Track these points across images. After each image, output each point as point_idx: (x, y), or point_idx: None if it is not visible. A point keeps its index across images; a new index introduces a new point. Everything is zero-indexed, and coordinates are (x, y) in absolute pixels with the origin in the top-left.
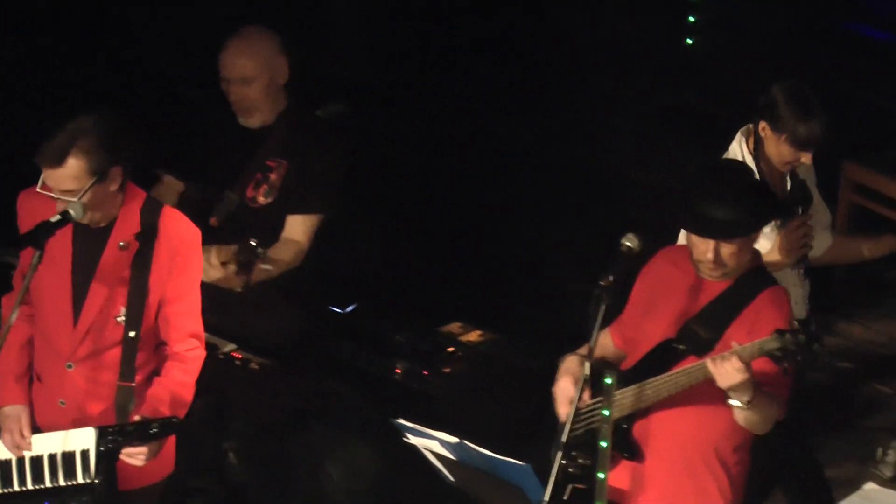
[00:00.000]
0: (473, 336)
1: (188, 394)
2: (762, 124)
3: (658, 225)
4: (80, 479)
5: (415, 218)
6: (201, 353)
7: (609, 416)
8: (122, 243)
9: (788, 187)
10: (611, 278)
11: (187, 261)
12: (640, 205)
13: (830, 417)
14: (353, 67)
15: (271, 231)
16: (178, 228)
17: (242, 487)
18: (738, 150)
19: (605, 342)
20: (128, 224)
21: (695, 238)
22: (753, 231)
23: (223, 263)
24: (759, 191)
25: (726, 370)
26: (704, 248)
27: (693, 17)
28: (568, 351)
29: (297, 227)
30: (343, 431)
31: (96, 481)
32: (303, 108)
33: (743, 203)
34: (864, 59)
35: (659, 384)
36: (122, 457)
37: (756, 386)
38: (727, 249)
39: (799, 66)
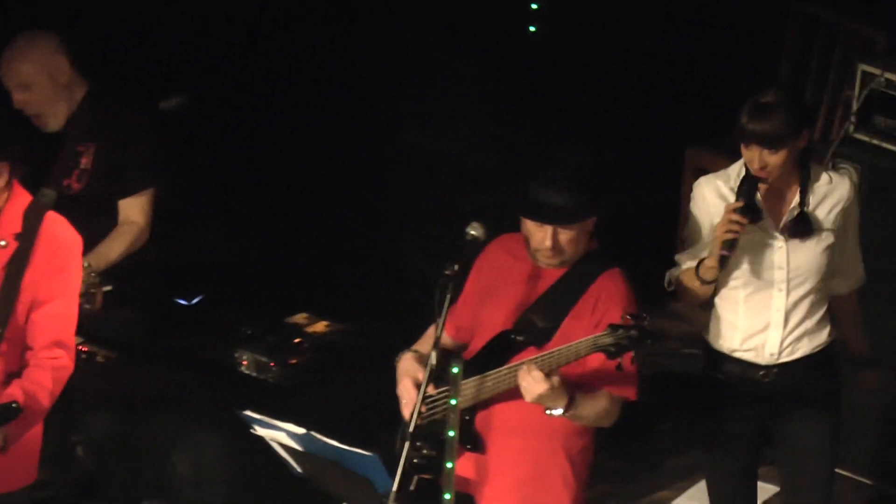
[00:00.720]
0: (320, 327)
1: (45, 399)
2: None
3: (502, 212)
4: None
5: (260, 208)
6: (67, 365)
7: (456, 405)
8: (1, 242)
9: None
10: (455, 267)
11: (64, 264)
12: (483, 191)
13: (677, 405)
14: (200, 55)
15: (94, 217)
16: (60, 232)
17: (90, 480)
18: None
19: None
20: (9, 224)
21: (532, 226)
22: (590, 216)
23: None
24: (596, 176)
25: (528, 383)
26: (542, 237)
27: (535, 4)
28: (414, 339)
29: (131, 210)
30: (190, 423)
31: None
32: (105, 90)
33: (579, 187)
34: (711, 39)
35: (498, 377)
36: None
37: (571, 392)
38: (565, 236)
39: (646, 47)
